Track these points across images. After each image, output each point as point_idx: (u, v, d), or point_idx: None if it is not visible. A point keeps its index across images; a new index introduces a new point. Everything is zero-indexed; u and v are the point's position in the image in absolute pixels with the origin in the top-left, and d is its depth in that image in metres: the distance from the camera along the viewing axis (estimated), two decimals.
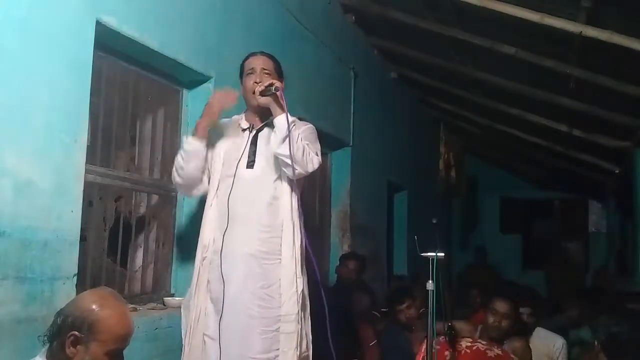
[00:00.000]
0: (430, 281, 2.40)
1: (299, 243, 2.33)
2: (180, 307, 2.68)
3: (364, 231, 5.14)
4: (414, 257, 3.08)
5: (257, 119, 2.42)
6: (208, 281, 2.32)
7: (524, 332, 3.29)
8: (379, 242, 5.65)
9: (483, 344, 2.77)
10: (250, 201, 2.32)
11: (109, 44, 2.40)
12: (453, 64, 5.19)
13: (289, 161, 2.23)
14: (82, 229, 2.16)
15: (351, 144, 4.83)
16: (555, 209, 10.18)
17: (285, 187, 2.35)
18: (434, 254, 2.41)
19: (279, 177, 2.35)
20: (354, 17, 4.88)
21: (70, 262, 2.08)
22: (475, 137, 7.78)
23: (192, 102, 2.98)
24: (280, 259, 2.31)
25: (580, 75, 4.21)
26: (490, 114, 6.20)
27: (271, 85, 2.28)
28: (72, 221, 2.09)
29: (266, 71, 2.40)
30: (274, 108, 2.29)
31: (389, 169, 5.93)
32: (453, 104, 6.68)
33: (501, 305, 3.07)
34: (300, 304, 2.30)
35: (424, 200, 7.01)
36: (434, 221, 2.57)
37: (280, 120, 2.25)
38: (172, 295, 2.82)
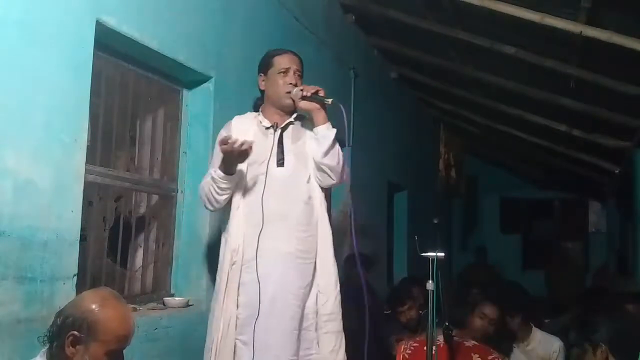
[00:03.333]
0: (430, 281, 2.40)
1: (332, 241, 2.34)
2: (179, 307, 2.69)
3: (364, 231, 5.13)
4: (414, 257, 3.08)
5: (279, 117, 2.40)
6: (239, 285, 2.25)
7: (511, 338, 3.33)
8: (379, 242, 5.65)
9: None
10: (286, 200, 2.29)
11: (109, 44, 2.40)
12: (453, 64, 5.18)
13: (330, 172, 2.28)
14: (82, 229, 2.16)
15: (351, 144, 4.82)
16: (555, 209, 10.18)
17: (316, 186, 2.36)
18: (434, 254, 2.41)
19: (310, 176, 2.35)
20: (354, 17, 4.88)
21: (70, 262, 2.08)
22: (475, 137, 7.78)
23: (192, 102, 2.98)
24: (315, 258, 2.31)
25: (581, 75, 4.21)
26: (490, 114, 6.20)
27: (317, 92, 2.30)
28: (72, 221, 2.09)
29: (299, 73, 2.41)
30: (318, 116, 2.31)
31: (389, 169, 5.93)
32: (453, 104, 6.67)
33: (490, 310, 3.11)
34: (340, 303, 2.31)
35: (424, 200, 7.01)
36: (435, 221, 2.57)
37: (325, 129, 2.29)
38: (172, 296, 2.82)
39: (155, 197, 2.87)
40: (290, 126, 2.41)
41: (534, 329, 3.39)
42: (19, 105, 1.90)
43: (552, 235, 9.78)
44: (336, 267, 2.36)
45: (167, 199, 2.89)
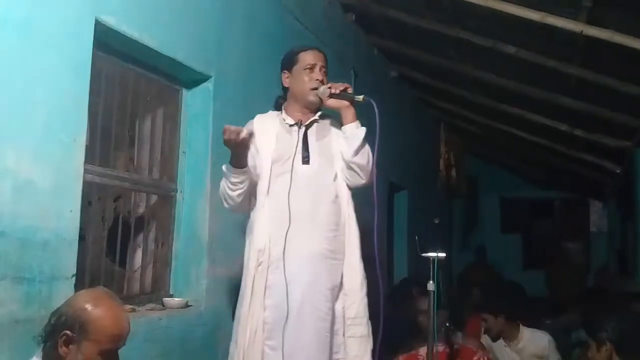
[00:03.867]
0: (431, 281, 2.39)
1: (360, 242, 2.30)
2: (178, 308, 2.68)
3: (364, 231, 5.12)
4: (415, 257, 3.07)
5: (303, 114, 2.34)
6: (266, 287, 2.17)
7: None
8: (379, 242, 5.63)
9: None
10: (313, 198, 2.23)
11: (108, 44, 2.39)
12: (453, 63, 5.17)
13: (360, 171, 2.23)
14: (81, 229, 2.15)
15: None
16: (556, 208, 10.18)
17: (344, 186, 2.31)
18: (434, 254, 2.40)
19: (336, 175, 2.30)
20: (354, 17, 4.87)
21: (69, 262, 2.07)
22: (476, 137, 7.77)
23: (191, 101, 2.97)
24: (343, 258, 2.27)
25: (582, 75, 4.20)
26: (491, 113, 6.19)
27: (346, 89, 2.26)
28: (71, 221, 2.09)
29: (324, 70, 2.36)
30: (347, 114, 2.26)
31: (389, 169, 5.92)
32: (453, 104, 6.66)
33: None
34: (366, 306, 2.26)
35: (424, 200, 7.00)
36: (436, 221, 2.56)
37: (354, 128, 2.24)
38: (171, 296, 2.81)
39: (154, 197, 2.86)
40: (315, 124, 2.35)
41: (521, 327, 3.39)
42: (19, 105, 1.89)
43: (552, 235, 9.78)
44: (363, 268, 2.29)
45: (166, 199, 2.89)
